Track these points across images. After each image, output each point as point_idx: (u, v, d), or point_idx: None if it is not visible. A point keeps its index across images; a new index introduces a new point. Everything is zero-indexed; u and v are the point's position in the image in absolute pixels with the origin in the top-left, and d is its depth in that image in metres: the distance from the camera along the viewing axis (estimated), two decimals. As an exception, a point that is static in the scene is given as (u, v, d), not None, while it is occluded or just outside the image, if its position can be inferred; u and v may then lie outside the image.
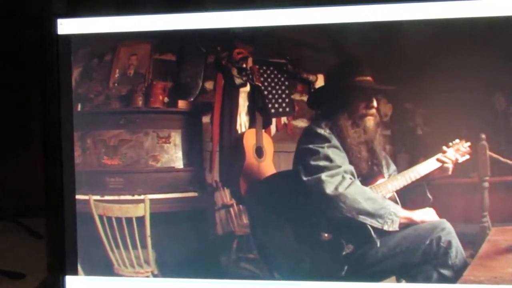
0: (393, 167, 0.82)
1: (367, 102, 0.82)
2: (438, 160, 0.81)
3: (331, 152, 0.82)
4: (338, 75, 0.82)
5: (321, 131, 0.82)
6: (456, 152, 0.80)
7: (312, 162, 0.82)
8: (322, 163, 0.82)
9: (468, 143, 0.79)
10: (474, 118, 0.79)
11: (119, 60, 0.87)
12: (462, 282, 0.78)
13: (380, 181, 0.82)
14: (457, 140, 0.79)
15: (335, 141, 0.82)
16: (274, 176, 0.84)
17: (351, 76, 0.81)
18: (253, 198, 0.85)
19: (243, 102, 0.86)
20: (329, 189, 0.81)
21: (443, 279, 0.79)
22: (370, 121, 0.82)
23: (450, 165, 0.80)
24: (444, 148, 0.80)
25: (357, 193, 0.81)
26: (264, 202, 0.84)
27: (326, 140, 0.82)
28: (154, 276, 0.86)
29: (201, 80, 0.86)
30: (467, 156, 0.80)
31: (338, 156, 0.82)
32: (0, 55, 1.12)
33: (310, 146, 0.82)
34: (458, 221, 0.79)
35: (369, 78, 0.81)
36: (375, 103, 0.82)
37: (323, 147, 0.82)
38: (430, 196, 0.81)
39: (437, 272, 0.79)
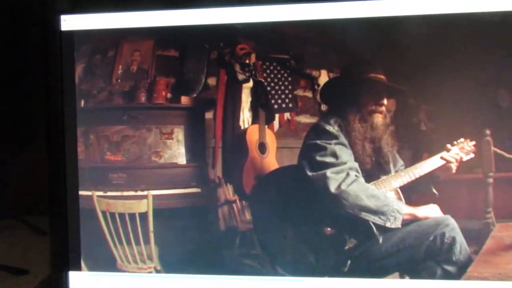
0: (400, 162, 0.82)
1: (377, 99, 0.82)
2: (442, 158, 0.80)
3: (338, 149, 0.82)
4: (352, 70, 0.82)
5: (330, 128, 0.82)
6: (461, 150, 0.79)
7: (318, 158, 0.82)
8: (329, 159, 0.82)
9: (473, 142, 0.79)
10: (479, 114, 0.79)
11: (122, 56, 0.87)
12: (466, 278, 0.78)
13: (384, 177, 0.82)
14: (462, 139, 0.79)
15: (342, 139, 0.82)
16: (278, 171, 0.84)
17: (364, 72, 0.81)
18: (256, 194, 0.85)
19: (246, 98, 0.86)
20: (332, 186, 0.80)
21: (447, 275, 0.78)
22: (378, 118, 0.82)
23: (454, 164, 0.80)
24: (449, 146, 0.80)
25: (360, 190, 0.80)
26: (267, 197, 0.84)
27: (334, 137, 0.82)
28: (157, 271, 0.86)
29: (204, 76, 0.86)
30: (472, 155, 0.79)
31: (345, 153, 0.82)
32: (3, 51, 1.12)
33: (318, 141, 0.82)
34: (462, 217, 0.79)
35: (382, 76, 0.81)
36: (385, 101, 0.82)
37: (330, 144, 0.82)
38: (435, 192, 0.81)
39: (441, 268, 0.78)
